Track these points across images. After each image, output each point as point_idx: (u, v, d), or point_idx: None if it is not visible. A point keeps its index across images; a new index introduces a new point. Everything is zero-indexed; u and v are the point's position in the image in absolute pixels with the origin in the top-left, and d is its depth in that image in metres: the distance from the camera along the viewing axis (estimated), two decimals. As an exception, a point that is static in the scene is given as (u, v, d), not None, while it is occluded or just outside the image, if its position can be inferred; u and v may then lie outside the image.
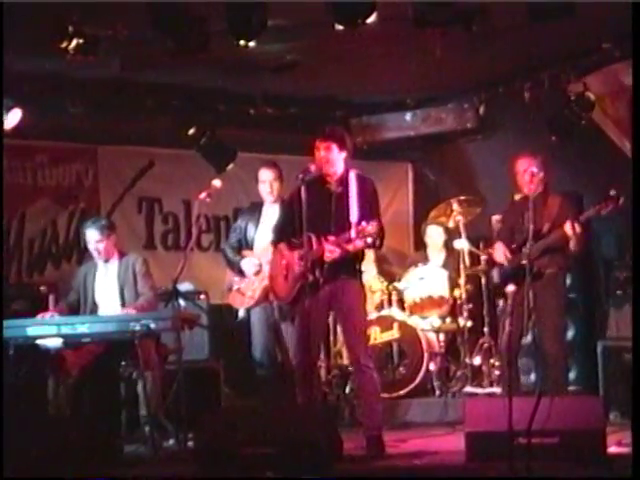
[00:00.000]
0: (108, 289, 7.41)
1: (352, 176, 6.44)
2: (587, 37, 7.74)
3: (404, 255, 10.11)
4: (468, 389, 8.41)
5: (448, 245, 9.11)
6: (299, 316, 6.33)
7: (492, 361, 8.42)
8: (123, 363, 7.27)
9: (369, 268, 8.83)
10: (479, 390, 8.37)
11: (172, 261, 8.76)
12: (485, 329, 8.53)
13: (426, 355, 8.49)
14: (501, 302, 7.56)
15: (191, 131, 8.90)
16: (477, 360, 8.54)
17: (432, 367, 8.53)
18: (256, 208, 7.74)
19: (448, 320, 8.84)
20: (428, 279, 8.84)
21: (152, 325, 6.67)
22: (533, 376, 8.22)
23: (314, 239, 6.23)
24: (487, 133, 9.47)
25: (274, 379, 7.64)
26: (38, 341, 6.82)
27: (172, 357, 7.23)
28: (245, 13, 6.56)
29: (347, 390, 8.52)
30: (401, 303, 8.87)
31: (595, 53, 8.06)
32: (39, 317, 7.06)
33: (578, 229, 6.98)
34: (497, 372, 8.26)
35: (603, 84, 8.25)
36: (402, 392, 8.46)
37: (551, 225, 7.16)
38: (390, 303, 8.87)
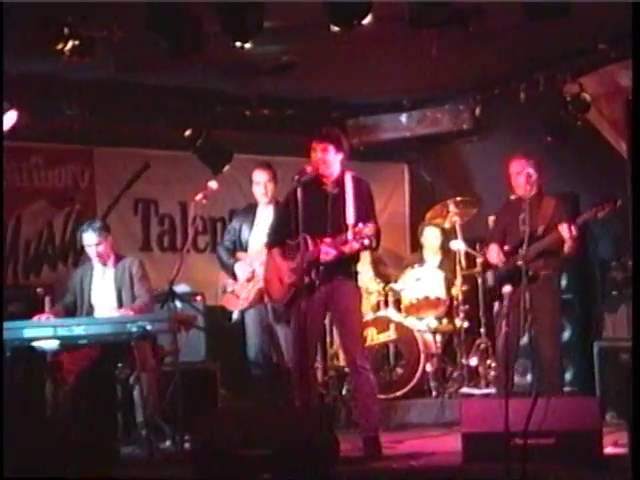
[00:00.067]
0: (105, 291, 7.41)
1: (348, 178, 6.44)
2: (583, 38, 7.74)
3: (400, 256, 10.11)
4: (465, 390, 8.41)
5: (444, 246, 9.12)
6: (295, 317, 6.33)
7: (489, 362, 8.43)
8: (119, 365, 7.26)
9: (365, 269, 8.83)
10: (476, 391, 8.37)
11: (168, 263, 8.75)
12: (482, 330, 8.54)
13: (423, 356, 8.49)
14: (496, 304, 7.55)
15: (187, 133, 8.90)
16: (474, 361, 8.55)
17: (429, 368, 8.54)
18: (250, 210, 7.74)
19: (445, 321, 8.85)
20: (424, 280, 8.84)
21: (148, 327, 6.67)
22: (529, 377, 8.21)
23: (310, 241, 6.24)
24: (483, 134, 9.47)
25: (269, 380, 7.64)
26: (34, 343, 6.81)
27: (168, 359, 7.23)
28: (239, 14, 6.55)
29: (344, 391, 8.51)
30: (397, 304, 8.88)
31: (591, 54, 8.05)
32: (35, 319, 7.06)
33: (574, 232, 6.98)
34: (493, 373, 8.26)
35: (599, 85, 8.25)
36: (399, 393, 8.46)
37: (546, 227, 7.16)
38: (386, 304, 8.88)
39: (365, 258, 8.64)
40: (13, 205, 8.87)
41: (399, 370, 8.59)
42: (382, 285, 8.95)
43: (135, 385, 7.07)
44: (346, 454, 6.11)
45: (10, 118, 7.63)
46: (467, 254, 8.63)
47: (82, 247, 7.76)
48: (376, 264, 9.23)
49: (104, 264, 7.43)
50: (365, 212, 6.29)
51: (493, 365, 8.25)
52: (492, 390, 8.07)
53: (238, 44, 6.76)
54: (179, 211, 9.68)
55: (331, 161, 6.42)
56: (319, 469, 5.48)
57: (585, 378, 8.19)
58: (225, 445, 5.63)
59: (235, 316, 7.70)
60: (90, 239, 7.39)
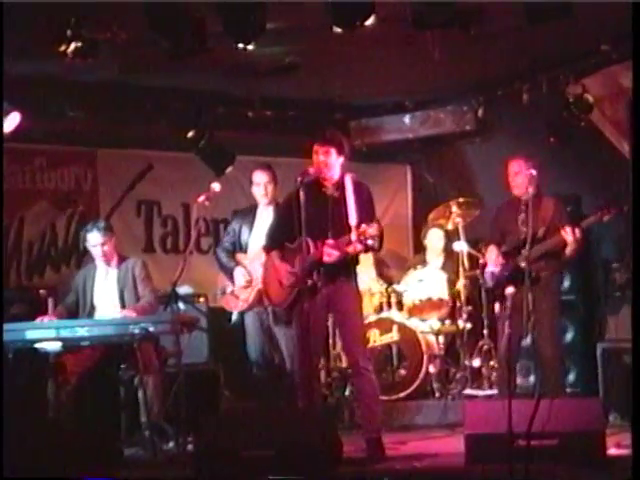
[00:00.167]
0: (107, 292, 7.41)
1: (348, 180, 6.45)
2: (585, 39, 7.73)
3: (403, 258, 10.12)
4: (468, 391, 8.42)
5: (447, 248, 9.12)
6: (298, 319, 6.33)
7: (492, 363, 8.42)
8: (122, 366, 7.26)
9: (368, 271, 8.84)
10: (479, 392, 8.38)
11: (171, 264, 8.76)
12: (484, 331, 8.53)
13: (425, 357, 8.49)
14: (497, 305, 7.54)
15: (190, 134, 8.89)
16: (476, 362, 8.54)
17: (431, 369, 8.54)
18: (250, 211, 7.72)
19: (447, 322, 8.85)
20: (427, 281, 8.84)
21: (151, 328, 6.67)
22: (532, 378, 8.21)
23: (311, 243, 6.24)
24: (486, 135, 9.46)
25: (271, 382, 7.63)
26: (37, 345, 6.82)
27: (171, 360, 7.23)
28: (242, 15, 6.55)
29: (347, 393, 8.52)
30: (400, 306, 8.88)
31: (594, 55, 8.05)
32: (38, 320, 7.07)
33: (578, 235, 6.98)
34: (496, 374, 8.24)
35: (602, 86, 8.25)
36: (402, 394, 8.46)
37: (546, 228, 7.15)
38: (389, 306, 8.88)
39: (368, 259, 8.64)
40: (16, 207, 8.87)
41: (402, 371, 8.58)
42: (385, 286, 8.95)
43: (138, 386, 7.07)
44: (349, 455, 6.12)
45: (13, 120, 7.63)
46: (470, 255, 8.63)
47: (85, 249, 7.77)
48: (379, 265, 9.23)
49: (108, 264, 7.43)
50: (366, 214, 6.30)
51: (496, 366, 8.24)
52: (495, 391, 8.05)
53: (241, 45, 6.76)
54: (182, 212, 9.68)
55: (333, 164, 6.43)
56: (322, 470, 5.48)
57: (588, 379, 8.19)
58: (228, 446, 5.64)
59: (234, 317, 7.69)
60: (95, 239, 7.39)
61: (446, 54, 7.34)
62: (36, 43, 7.03)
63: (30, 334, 6.79)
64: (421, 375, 8.47)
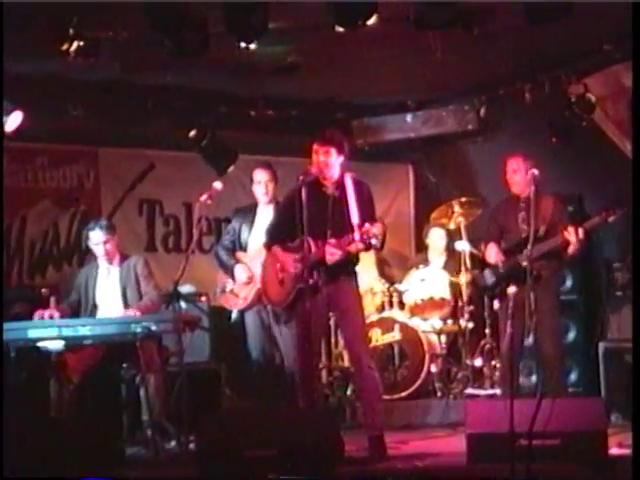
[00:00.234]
0: (110, 291, 7.42)
1: (348, 180, 6.45)
2: (588, 38, 7.73)
3: (405, 257, 10.11)
4: (469, 391, 8.41)
5: (449, 247, 9.12)
6: (300, 319, 6.33)
7: (493, 363, 8.42)
8: (124, 365, 7.27)
9: (370, 270, 8.85)
10: (480, 392, 8.37)
11: (173, 263, 8.75)
12: (486, 331, 8.53)
13: (427, 357, 8.50)
14: (495, 303, 7.53)
15: (192, 133, 8.89)
16: (478, 362, 8.54)
17: (433, 369, 8.54)
18: (250, 209, 7.74)
19: (449, 322, 8.85)
20: (429, 281, 8.84)
21: (153, 327, 6.68)
22: (534, 378, 8.21)
23: (312, 242, 6.24)
24: (488, 135, 9.47)
25: (272, 380, 7.63)
26: (39, 343, 6.82)
27: (173, 359, 7.23)
28: (244, 15, 6.55)
29: (349, 392, 8.52)
30: (402, 305, 8.88)
31: (596, 54, 8.05)
32: (37, 315, 7.07)
33: (582, 235, 6.97)
34: (498, 374, 8.24)
35: (604, 85, 8.25)
36: (403, 394, 8.46)
37: (547, 227, 7.15)
38: (391, 305, 8.88)
39: (370, 259, 8.66)
40: (18, 206, 8.88)
41: (404, 371, 8.58)
42: (387, 286, 8.95)
43: (140, 386, 7.08)
44: (351, 454, 6.12)
45: (15, 119, 7.64)
46: (472, 255, 8.62)
47: (87, 247, 7.78)
48: (381, 265, 9.24)
49: (110, 263, 7.44)
50: (367, 213, 6.31)
51: (498, 366, 8.24)
52: (497, 391, 8.05)
53: (243, 45, 6.76)
54: (184, 212, 9.68)
55: (333, 164, 6.43)
56: (324, 469, 5.48)
57: (590, 379, 8.19)
58: (230, 445, 5.64)
59: (234, 316, 7.70)
60: (98, 237, 7.40)
61: (448, 54, 7.34)
62: (38, 42, 7.03)
63: (32, 333, 6.80)
64: (423, 374, 8.48)
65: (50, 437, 5.98)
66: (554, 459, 5.38)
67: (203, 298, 8.12)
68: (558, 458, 5.42)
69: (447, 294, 8.79)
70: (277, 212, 7.07)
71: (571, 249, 7.06)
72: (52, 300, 7.60)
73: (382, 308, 8.89)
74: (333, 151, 6.40)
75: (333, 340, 8.73)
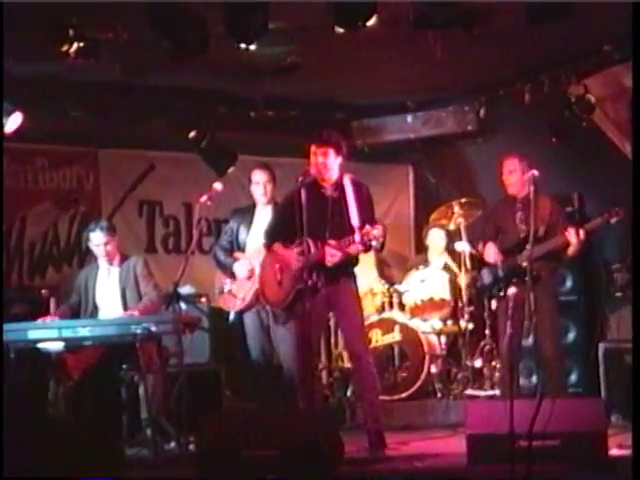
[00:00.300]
0: (109, 292, 7.42)
1: (347, 181, 6.46)
2: (587, 39, 7.73)
3: (405, 258, 10.11)
4: (469, 391, 8.41)
5: (449, 248, 9.12)
6: (299, 320, 6.33)
7: (493, 363, 8.42)
8: (124, 366, 7.26)
9: (370, 271, 8.85)
10: (480, 392, 8.37)
11: (173, 264, 8.76)
12: (486, 331, 8.52)
13: (427, 357, 8.50)
14: (493, 302, 7.52)
15: (192, 134, 8.89)
16: (478, 362, 8.54)
17: (433, 369, 8.54)
18: (248, 210, 7.73)
19: (449, 322, 8.85)
20: (429, 282, 8.85)
21: (153, 328, 6.67)
22: (534, 378, 8.21)
23: (311, 243, 6.24)
24: (488, 135, 9.47)
25: (271, 381, 7.63)
26: (39, 344, 6.82)
27: (173, 360, 7.23)
28: (244, 15, 6.55)
29: (348, 393, 8.51)
30: (402, 306, 8.88)
31: (595, 55, 8.05)
32: (40, 321, 7.07)
33: (583, 237, 6.97)
34: (498, 374, 8.25)
35: (604, 86, 8.25)
36: (403, 395, 8.46)
37: (546, 228, 7.14)
38: (391, 306, 8.88)
39: (369, 260, 8.65)
40: (18, 207, 8.88)
41: (404, 372, 8.58)
42: (387, 286, 8.95)
43: (140, 386, 7.08)
44: (351, 455, 6.11)
45: (15, 120, 7.64)
46: (472, 255, 8.62)
47: (87, 248, 7.78)
48: (381, 265, 9.24)
49: (110, 264, 7.44)
50: (367, 214, 6.31)
51: (498, 367, 8.24)
52: (497, 392, 8.05)
53: (243, 45, 6.76)
54: (184, 213, 9.68)
55: (331, 165, 6.45)
56: (324, 470, 5.48)
57: (590, 379, 8.17)
58: (230, 446, 5.63)
59: (232, 317, 7.69)
60: (98, 238, 7.40)
61: (448, 54, 7.33)
62: (38, 43, 7.03)
63: (32, 334, 6.80)
64: (423, 375, 8.48)
65: (50, 437, 5.97)
66: (554, 460, 5.37)
67: (203, 299, 8.12)
68: (558, 459, 5.41)
69: (447, 295, 8.79)
70: (276, 213, 7.07)
71: (571, 250, 7.06)
72: (52, 301, 7.61)
73: (382, 309, 8.89)
74: (331, 152, 6.41)
75: (333, 341, 8.73)
